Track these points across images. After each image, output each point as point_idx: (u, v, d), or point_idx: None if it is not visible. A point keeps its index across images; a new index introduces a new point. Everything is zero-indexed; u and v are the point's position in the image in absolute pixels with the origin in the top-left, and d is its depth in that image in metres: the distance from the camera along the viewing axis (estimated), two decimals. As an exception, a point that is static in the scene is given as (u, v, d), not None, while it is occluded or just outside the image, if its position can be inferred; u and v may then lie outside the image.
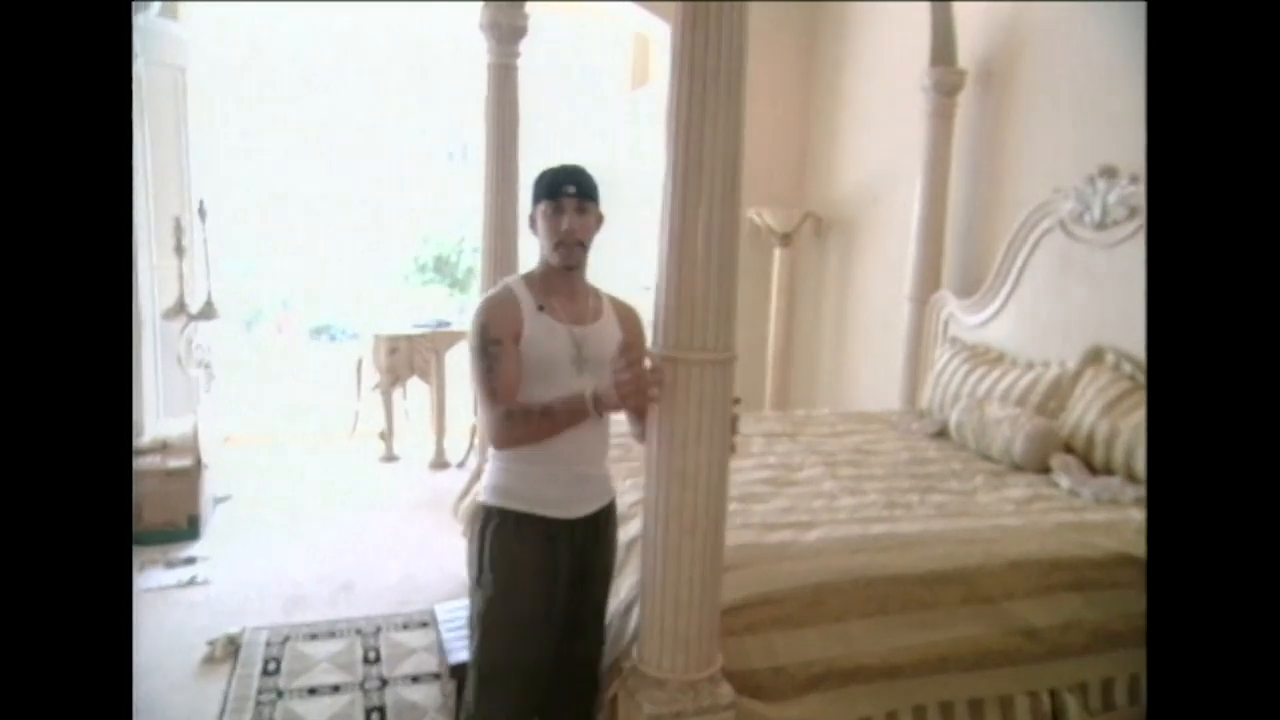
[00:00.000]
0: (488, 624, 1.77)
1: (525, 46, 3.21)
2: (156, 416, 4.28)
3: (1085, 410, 2.85)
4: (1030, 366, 3.27)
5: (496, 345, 1.70)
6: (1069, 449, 2.85)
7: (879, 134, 4.54)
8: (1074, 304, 3.16)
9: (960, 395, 3.37)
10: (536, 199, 1.78)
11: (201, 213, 4.28)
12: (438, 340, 5.10)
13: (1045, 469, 2.80)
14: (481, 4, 3.12)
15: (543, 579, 1.77)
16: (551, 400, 1.68)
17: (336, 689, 2.62)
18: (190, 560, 3.56)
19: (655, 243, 1.58)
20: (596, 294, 1.86)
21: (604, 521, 1.86)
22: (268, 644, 2.86)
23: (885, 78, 4.42)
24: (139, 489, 3.71)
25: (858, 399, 4.61)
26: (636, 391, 1.58)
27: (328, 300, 7.89)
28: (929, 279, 3.95)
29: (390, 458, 5.14)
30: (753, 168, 5.00)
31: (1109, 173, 2.98)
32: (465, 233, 10.06)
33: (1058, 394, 3.03)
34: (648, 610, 1.64)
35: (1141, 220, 2.84)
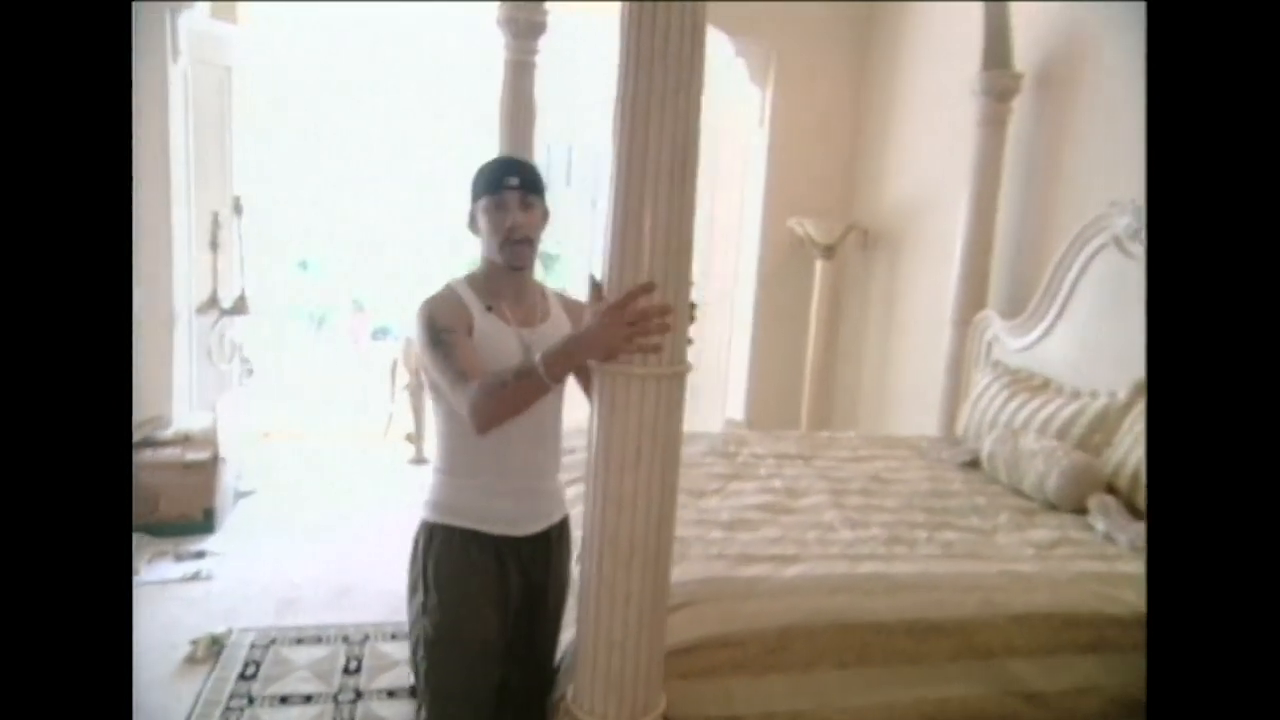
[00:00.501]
0: (435, 652, 1.65)
1: (556, 44, 3.12)
2: (189, 409, 4.33)
3: (1133, 447, 2.58)
4: (1076, 395, 2.99)
5: (449, 333, 1.57)
6: (1111, 489, 2.57)
7: (931, 142, 4.29)
8: (1127, 329, 2.87)
9: (997, 423, 3.11)
10: (476, 195, 1.65)
11: (237, 209, 4.32)
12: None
13: (1082, 510, 2.53)
14: (499, 1, 3.04)
15: (492, 602, 1.64)
16: (513, 373, 1.49)
17: (309, 699, 2.53)
18: (200, 554, 3.56)
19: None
20: (544, 292, 1.74)
21: (556, 539, 1.73)
22: (252, 646, 2.80)
23: (940, 82, 4.17)
24: (157, 480, 3.74)
25: (900, 422, 4.35)
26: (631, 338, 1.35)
27: (392, 301, 7.98)
28: (973, 298, 3.69)
29: (419, 460, 5.11)
30: (795, 177, 4.85)
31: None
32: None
33: (1104, 427, 2.75)
34: (582, 646, 1.49)
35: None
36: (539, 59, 3.13)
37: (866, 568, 1.92)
